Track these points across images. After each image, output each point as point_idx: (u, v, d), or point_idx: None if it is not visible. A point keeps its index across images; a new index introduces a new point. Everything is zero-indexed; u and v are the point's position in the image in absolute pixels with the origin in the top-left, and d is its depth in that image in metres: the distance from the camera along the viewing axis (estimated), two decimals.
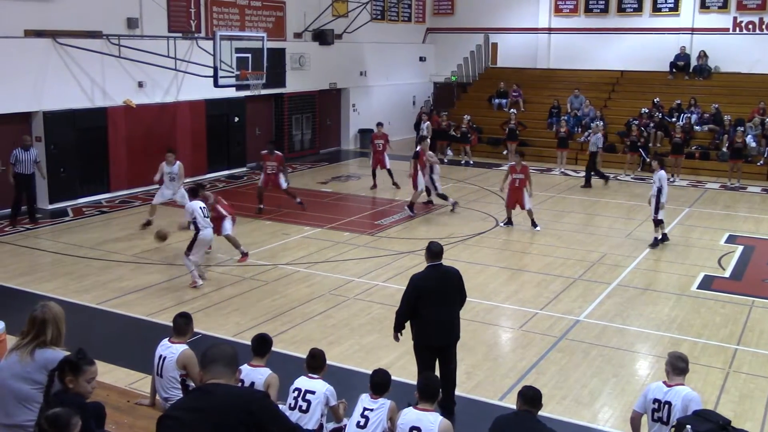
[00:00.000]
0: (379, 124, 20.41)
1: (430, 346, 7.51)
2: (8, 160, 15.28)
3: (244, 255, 12.83)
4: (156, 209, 14.92)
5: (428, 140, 18.50)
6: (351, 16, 25.30)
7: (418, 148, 16.91)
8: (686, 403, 5.69)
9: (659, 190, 14.06)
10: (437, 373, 7.19)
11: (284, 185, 16.46)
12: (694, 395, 5.79)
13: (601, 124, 23.43)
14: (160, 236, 12.40)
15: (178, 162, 14.87)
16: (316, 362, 6.39)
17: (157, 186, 15.24)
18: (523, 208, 15.48)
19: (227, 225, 12.63)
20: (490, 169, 23.15)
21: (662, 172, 14.28)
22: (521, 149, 19.45)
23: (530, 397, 5.51)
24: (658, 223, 14.30)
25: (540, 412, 5.61)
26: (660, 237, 14.42)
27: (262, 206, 16.54)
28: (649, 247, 14.23)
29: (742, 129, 22.04)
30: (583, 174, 20.82)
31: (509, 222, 15.71)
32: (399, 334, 7.62)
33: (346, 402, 6.50)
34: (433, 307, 7.35)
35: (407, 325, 7.61)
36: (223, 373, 3.74)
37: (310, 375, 6.33)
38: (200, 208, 11.46)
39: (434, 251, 7.48)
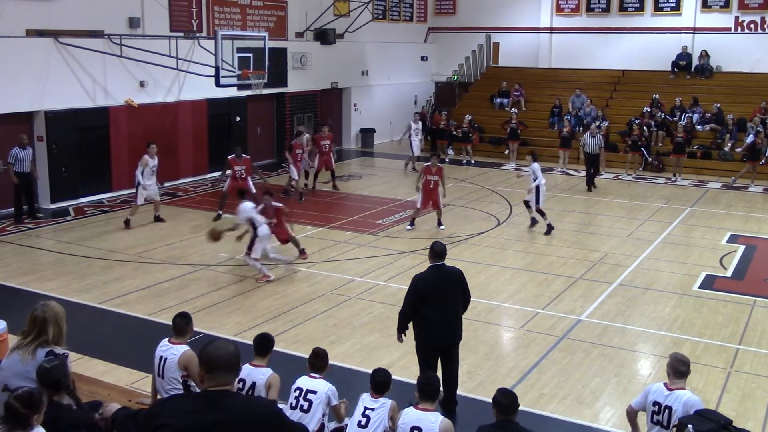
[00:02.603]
0: (324, 125, 20.33)
1: (432, 346, 7.51)
2: (8, 160, 15.28)
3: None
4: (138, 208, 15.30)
5: (304, 136, 19.04)
6: (352, 16, 25.28)
7: (292, 142, 18.47)
8: (687, 409, 5.65)
9: (538, 185, 14.77)
10: (439, 372, 7.19)
11: (254, 190, 15.59)
12: (696, 400, 5.73)
13: (606, 123, 23.38)
14: (214, 236, 11.96)
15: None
16: (319, 362, 6.37)
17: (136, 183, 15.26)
18: (436, 207, 15.37)
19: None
20: (491, 168, 23.15)
21: (536, 164, 14.94)
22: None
23: (506, 406, 5.29)
24: (543, 213, 14.94)
25: (542, 412, 5.59)
26: (549, 224, 14.95)
27: (221, 212, 15.85)
28: (545, 235, 14.84)
29: (761, 130, 21.93)
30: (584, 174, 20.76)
31: (413, 223, 15.36)
32: (403, 335, 7.63)
33: (348, 402, 6.50)
34: (434, 307, 7.34)
35: (410, 325, 7.62)
36: (228, 379, 3.56)
37: (311, 375, 6.32)
38: (252, 208, 11.75)
39: (437, 251, 7.48)
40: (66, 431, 4.57)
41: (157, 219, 15.60)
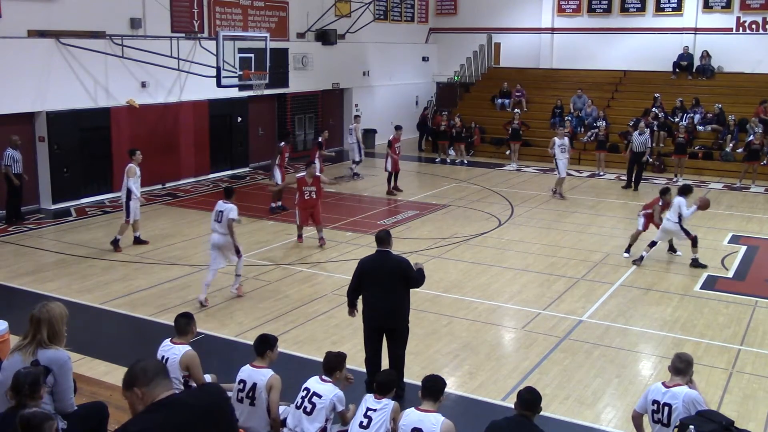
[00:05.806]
0: (398, 128, 20.01)
1: (370, 326, 8.01)
2: (5, 162, 15.22)
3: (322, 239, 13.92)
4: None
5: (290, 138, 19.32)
6: (354, 16, 25.30)
7: (281, 144, 17.34)
8: (687, 404, 5.66)
9: None
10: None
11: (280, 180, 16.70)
12: (695, 395, 5.73)
13: (605, 124, 23.37)
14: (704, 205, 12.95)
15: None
16: (326, 364, 6.33)
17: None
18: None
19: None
20: (493, 169, 23.14)
21: None
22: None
23: (528, 401, 5.43)
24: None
25: (543, 413, 5.57)
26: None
27: (280, 203, 16.89)
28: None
29: (759, 130, 21.89)
30: (588, 174, 20.78)
31: (629, 250, 13.72)
32: (354, 311, 8.17)
33: (355, 407, 6.47)
34: (372, 289, 7.90)
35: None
36: (167, 385, 3.69)
37: (322, 377, 6.27)
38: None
39: (378, 237, 8.13)
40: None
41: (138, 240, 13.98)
